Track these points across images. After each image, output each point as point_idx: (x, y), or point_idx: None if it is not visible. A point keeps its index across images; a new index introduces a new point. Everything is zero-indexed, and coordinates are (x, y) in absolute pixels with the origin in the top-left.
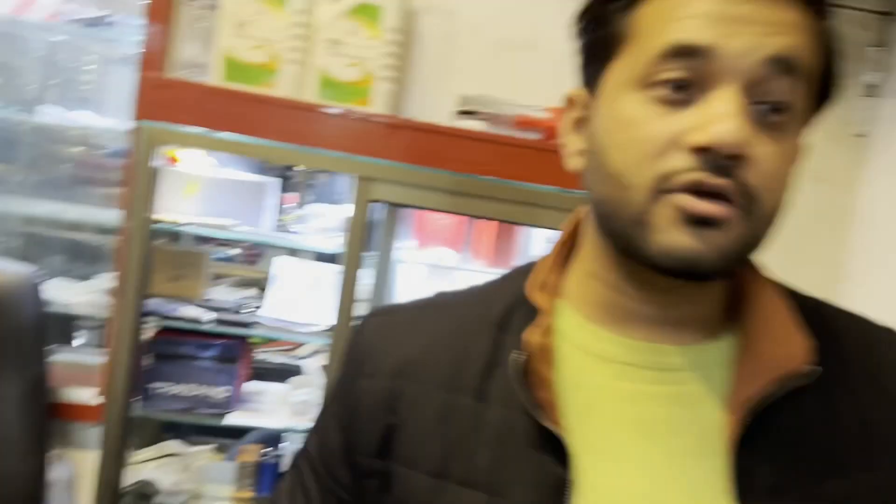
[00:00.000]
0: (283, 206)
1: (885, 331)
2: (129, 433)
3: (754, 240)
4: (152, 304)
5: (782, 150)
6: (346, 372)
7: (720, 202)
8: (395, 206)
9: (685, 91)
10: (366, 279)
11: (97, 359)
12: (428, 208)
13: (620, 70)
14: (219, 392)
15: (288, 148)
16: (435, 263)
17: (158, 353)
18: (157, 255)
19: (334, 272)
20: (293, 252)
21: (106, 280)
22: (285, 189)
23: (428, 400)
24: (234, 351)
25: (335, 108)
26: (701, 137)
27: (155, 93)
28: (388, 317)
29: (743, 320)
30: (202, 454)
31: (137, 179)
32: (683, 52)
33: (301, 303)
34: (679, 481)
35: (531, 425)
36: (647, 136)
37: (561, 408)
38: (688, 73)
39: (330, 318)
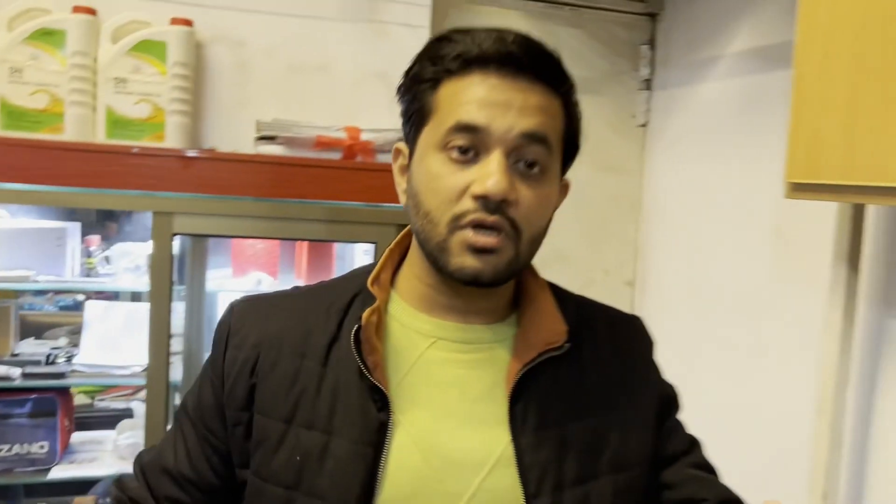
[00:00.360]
0: (90, 248)
1: (626, 316)
2: None
3: (522, 258)
4: None
5: (539, 194)
6: (216, 346)
7: (494, 234)
8: (199, 237)
9: (469, 154)
10: (179, 313)
11: None
12: (235, 236)
13: (428, 134)
14: (38, 448)
15: (80, 192)
16: (252, 289)
17: None
18: None
19: (147, 310)
20: (105, 294)
21: None
22: (90, 231)
23: (281, 364)
24: (50, 404)
25: (125, 146)
26: (478, 189)
27: None
28: (249, 303)
29: (522, 309)
30: None
31: None
32: (466, 128)
33: (118, 345)
34: (472, 421)
35: (361, 382)
36: (446, 187)
37: (388, 370)
38: (470, 142)
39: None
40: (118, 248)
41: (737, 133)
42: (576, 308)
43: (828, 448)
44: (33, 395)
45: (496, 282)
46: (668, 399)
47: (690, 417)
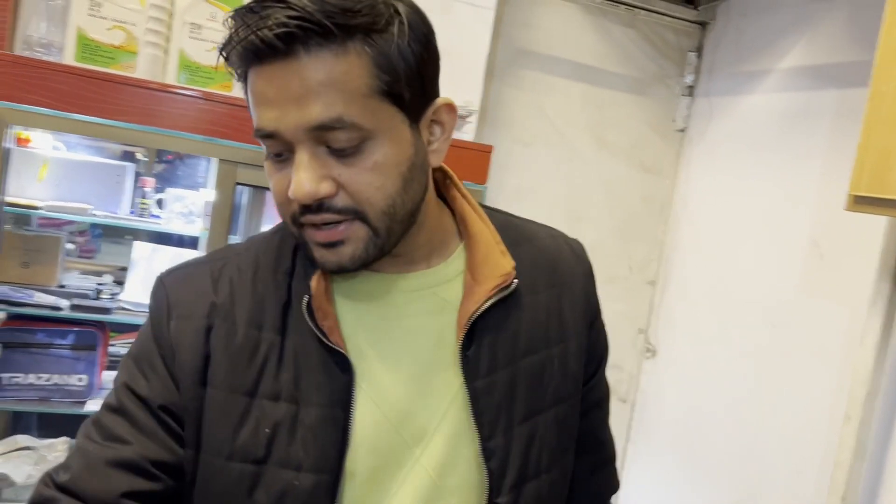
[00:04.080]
0: (144, 189)
1: (563, 246)
2: None
3: (384, 231)
4: (1, 291)
5: (365, 168)
6: (155, 322)
7: (333, 227)
8: (260, 189)
9: (283, 155)
10: None
11: None
12: None
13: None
14: (76, 380)
15: (148, 131)
16: None
17: (7, 342)
18: (7, 241)
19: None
20: (155, 236)
21: None
22: (145, 173)
23: (236, 334)
24: (91, 338)
25: (195, 91)
26: (290, 194)
27: (2, 70)
28: (182, 272)
29: (466, 243)
30: (57, 445)
31: None
32: (264, 136)
33: None
34: (424, 369)
35: (321, 346)
36: (276, 190)
37: (343, 331)
38: (276, 147)
39: None
40: (172, 193)
41: (778, 146)
42: (512, 233)
43: (852, 453)
44: (76, 328)
45: (366, 264)
46: (598, 344)
47: (705, 414)
